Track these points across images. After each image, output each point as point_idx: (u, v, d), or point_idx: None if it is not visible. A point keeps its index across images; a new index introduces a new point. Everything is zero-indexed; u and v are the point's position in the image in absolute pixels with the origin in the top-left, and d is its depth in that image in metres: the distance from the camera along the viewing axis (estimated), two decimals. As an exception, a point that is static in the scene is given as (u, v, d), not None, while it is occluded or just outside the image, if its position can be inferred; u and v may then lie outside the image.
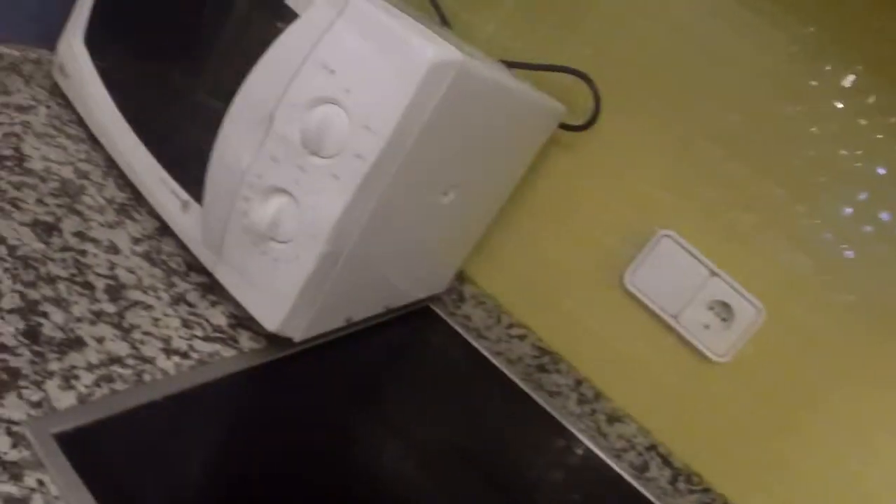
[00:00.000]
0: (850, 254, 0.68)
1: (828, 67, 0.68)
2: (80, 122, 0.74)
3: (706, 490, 0.74)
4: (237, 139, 0.55)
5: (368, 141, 0.50)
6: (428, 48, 0.48)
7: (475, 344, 0.82)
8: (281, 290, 0.55)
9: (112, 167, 0.70)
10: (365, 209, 0.53)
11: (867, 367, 0.67)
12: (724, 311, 0.73)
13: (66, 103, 0.75)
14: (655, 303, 0.76)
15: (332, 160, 0.51)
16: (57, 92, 0.77)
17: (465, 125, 0.58)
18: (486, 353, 0.82)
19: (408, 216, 0.61)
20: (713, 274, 0.73)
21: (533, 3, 0.82)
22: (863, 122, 0.67)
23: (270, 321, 0.57)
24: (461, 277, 0.87)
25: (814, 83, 0.68)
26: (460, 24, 0.85)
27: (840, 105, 0.68)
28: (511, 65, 0.76)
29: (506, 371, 0.81)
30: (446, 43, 0.50)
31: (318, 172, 0.51)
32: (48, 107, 0.74)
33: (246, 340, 0.60)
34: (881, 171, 0.66)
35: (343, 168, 0.51)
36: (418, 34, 0.49)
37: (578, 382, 0.80)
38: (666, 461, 0.76)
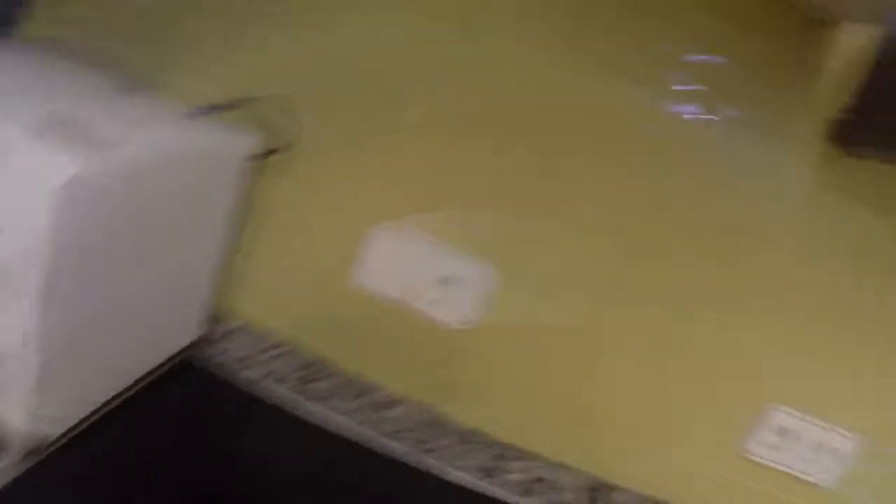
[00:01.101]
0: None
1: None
2: None
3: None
4: None
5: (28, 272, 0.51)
6: (49, 175, 0.49)
7: (239, 378, 0.83)
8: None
9: None
10: (53, 318, 0.54)
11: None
12: (455, 282, 0.81)
13: None
14: (388, 290, 0.83)
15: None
16: None
17: (125, 214, 0.58)
18: (248, 388, 0.83)
19: (109, 304, 0.61)
20: (435, 250, 0.81)
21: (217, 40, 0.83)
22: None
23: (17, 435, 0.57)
24: (216, 318, 0.86)
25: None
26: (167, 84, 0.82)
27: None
28: (197, 114, 0.75)
29: (273, 397, 0.83)
30: (66, 154, 0.51)
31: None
32: None
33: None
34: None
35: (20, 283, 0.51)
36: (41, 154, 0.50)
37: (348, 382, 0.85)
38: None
